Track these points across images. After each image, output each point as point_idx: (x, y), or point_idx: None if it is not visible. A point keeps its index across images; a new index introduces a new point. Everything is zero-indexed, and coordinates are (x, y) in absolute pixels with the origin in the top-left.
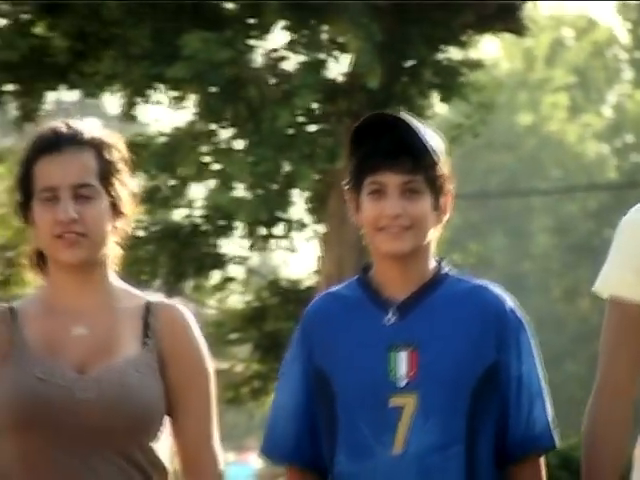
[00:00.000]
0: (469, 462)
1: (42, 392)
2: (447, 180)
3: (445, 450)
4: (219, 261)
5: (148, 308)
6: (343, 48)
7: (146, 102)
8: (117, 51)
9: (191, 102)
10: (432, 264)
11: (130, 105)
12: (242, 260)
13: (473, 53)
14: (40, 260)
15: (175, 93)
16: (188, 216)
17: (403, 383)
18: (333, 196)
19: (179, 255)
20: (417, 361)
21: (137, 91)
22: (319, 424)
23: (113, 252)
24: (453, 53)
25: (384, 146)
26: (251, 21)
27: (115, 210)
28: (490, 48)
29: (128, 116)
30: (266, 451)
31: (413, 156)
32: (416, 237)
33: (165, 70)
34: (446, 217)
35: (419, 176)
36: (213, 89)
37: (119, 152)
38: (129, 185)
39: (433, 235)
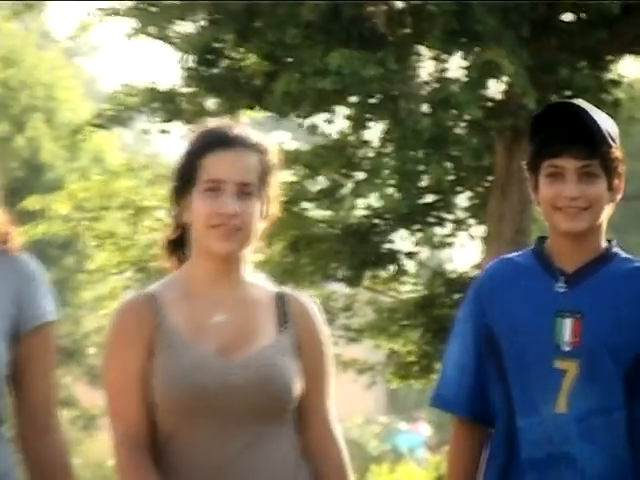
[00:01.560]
0: (629, 425)
1: (196, 378)
2: (620, 162)
3: (606, 414)
4: (393, 256)
5: (281, 298)
6: (499, 71)
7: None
8: (295, 71)
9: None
10: (603, 242)
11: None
12: (413, 255)
13: (616, 72)
14: (176, 247)
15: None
16: (366, 216)
17: (567, 348)
18: (492, 198)
19: (358, 250)
20: (581, 329)
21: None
22: (489, 379)
23: (252, 248)
24: (597, 72)
25: (563, 132)
26: (416, 47)
27: (265, 210)
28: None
29: (311, 128)
30: (437, 402)
31: (590, 141)
32: (592, 217)
33: (323, 83)
34: (618, 197)
35: (595, 160)
36: (369, 100)
37: (275, 158)
38: (278, 189)
39: (606, 214)
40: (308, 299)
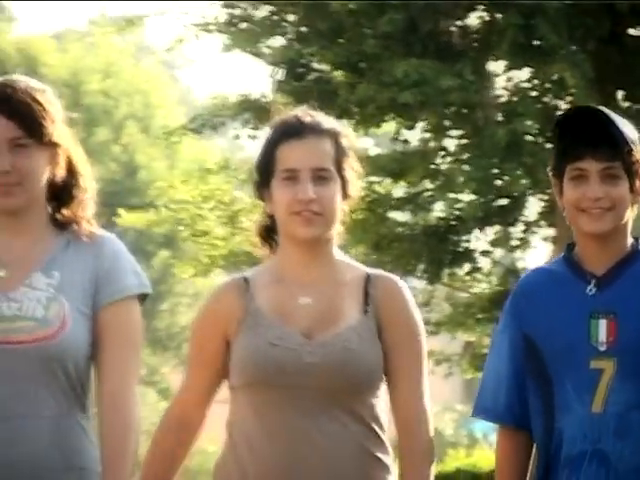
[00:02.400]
0: None
1: (274, 355)
2: None
3: None
4: (469, 254)
5: (368, 279)
6: (563, 83)
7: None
8: (374, 80)
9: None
10: (629, 241)
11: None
12: (487, 253)
13: None
14: (268, 234)
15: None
16: (444, 218)
17: (603, 348)
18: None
19: (437, 250)
20: (616, 329)
21: (390, 113)
22: (527, 386)
23: (338, 230)
24: None
25: (586, 136)
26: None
27: (344, 192)
28: None
29: (392, 136)
30: (479, 414)
31: (612, 144)
32: (615, 218)
33: (404, 95)
34: None
35: (617, 162)
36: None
37: (350, 141)
38: (356, 170)
39: (630, 215)
40: (396, 280)
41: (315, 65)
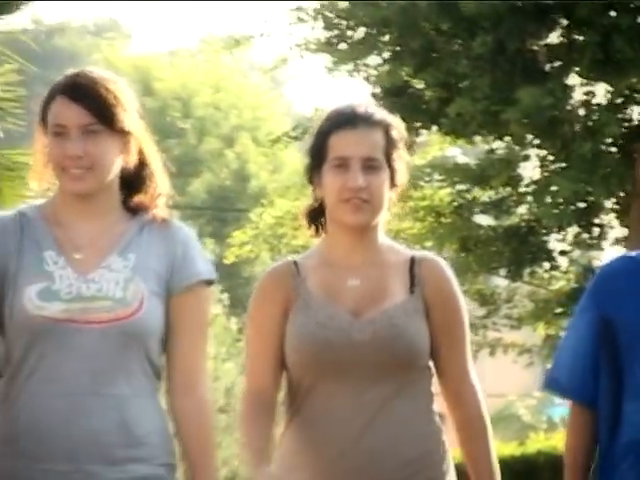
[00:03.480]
0: None
1: (325, 335)
2: None
3: None
4: (548, 254)
5: (413, 261)
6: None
7: (492, 138)
8: (467, 96)
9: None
10: None
11: (479, 139)
12: (565, 253)
13: None
14: (315, 217)
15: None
16: (524, 220)
17: None
18: (634, 206)
19: (519, 250)
20: None
21: (482, 128)
22: (600, 367)
23: (385, 216)
24: None
25: None
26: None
27: (392, 181)
28: None
29: (480, 146)
30: (551, 386)
31: None
32: None
33: (500, 112)
34: None
35: None
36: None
37: (400, 132)
38: (405, 160)
39: None
40: (441, 261)
41: (409, 81)
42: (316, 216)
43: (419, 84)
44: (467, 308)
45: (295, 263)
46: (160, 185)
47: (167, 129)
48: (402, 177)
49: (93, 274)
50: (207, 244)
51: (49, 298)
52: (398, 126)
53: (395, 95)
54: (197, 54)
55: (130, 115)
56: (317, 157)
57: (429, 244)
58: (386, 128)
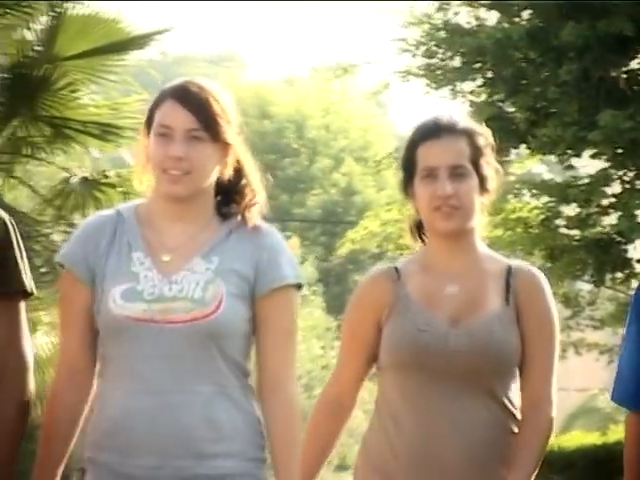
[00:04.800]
0: None
1: (422, 340)
2: None
3: None
4: (628, 262)
5: (509, 270)
6: None
7: (576, 157)
8: (556, 121)
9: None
10: None
11: (565, 158)
12: None
13: None
14: (418, 228)
15: (591, 151)
16: (605, 233)
17: None
18: None
19: (601, 258)
20: None
21: (569, 149)
22: None
23: (480, 222)
24: None
25: None
26: None
27: (482, 187)
28: None
29: (566, 167)
30: (615, 398)
31: None
32: None
33: (587, 134)
34: None
35: None
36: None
37: (486, 139)
38: (494, 166)
39: None
40: (536, 272)
41: (501, 105)
42: (418, 227)
43: (510, 108)
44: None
45: (396, 268)
46: (255, 196)
47: (283, 149)
48: (492, 183)
49: (176, 275)
50: (316, 251)
51: (132, 298)
52: (484, 133)
53: (489, 118)
54: (309, 81)
55: (232, 128)
56: (408, 170)
57: (519, 252)
58: (470, 136)
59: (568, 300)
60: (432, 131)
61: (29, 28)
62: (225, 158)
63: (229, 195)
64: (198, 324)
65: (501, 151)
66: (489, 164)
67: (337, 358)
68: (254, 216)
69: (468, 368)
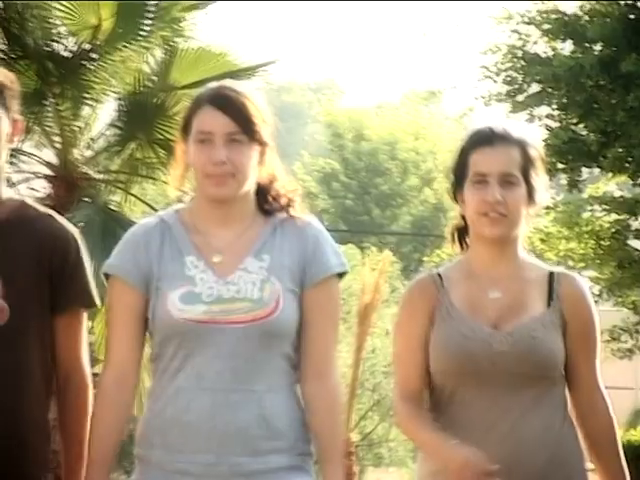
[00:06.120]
0: None
1: (467, 346)
2: None
3: None
4: None
5: (552, 276)
6: None
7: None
8: (625, 142)
9: None
10: None
11: (634, 176)
12: None
13: None
14: (461, 234)
15: None
16: None
17: None
18: None
19: None
20: None
21: (637, 167)
22: None
23: (524, 231)
24: None
25: None
26: None
27: (530, 197)
28: None
29: (635, 184)
30: None
31: None
32: None
33: None
34: None
35: None
36: None
37: (538, 151)
38: (543, 179)
39: None
40: (579, 279)
41: (574, 129)
42: (461, 233)
43: (582, 131)
44: (620, 317)
45: (439, 275)
46: (292, 192)
47: (376, 169)
48: (540, 195)
49: (231, 276)
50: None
51: (192, 301)
52: (536, 145)
53: (563, 141)
54: (400, 106)
55: (267, 128)
56: (459, 175)
57: (592, 263)
58: (523, 146)
59: (636, 307)
60: (486, 138)
61: (145, 61)
62: (263, 158)
63: (267, 192)
64: (259, 324)
65: (573, 170)
66: (539, 176)
67: (396, 367)
68: (295, 209)
69: (513, 370)
